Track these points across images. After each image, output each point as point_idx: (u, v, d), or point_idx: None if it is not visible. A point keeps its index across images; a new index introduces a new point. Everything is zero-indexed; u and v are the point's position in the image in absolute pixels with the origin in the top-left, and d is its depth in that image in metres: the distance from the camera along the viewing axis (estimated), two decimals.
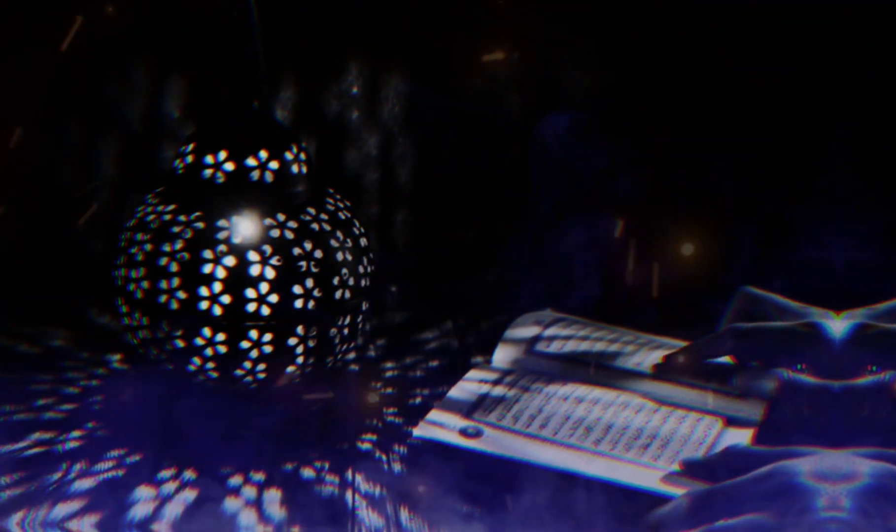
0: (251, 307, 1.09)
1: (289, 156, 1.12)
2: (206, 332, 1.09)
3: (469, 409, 1.11)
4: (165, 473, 1.07)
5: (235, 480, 1.07)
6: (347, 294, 1.12)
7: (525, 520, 1.02)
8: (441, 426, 1.09)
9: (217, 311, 1.09)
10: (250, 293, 1.09)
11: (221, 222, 1.09)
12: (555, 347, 1.20)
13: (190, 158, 1.12)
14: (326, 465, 1.10)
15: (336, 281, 1.11)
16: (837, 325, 1.11)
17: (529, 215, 1.37)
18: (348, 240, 1.13)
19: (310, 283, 1.10)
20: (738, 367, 1.15)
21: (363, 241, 1.14)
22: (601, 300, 1.30)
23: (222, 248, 1.09)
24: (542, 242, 1.35)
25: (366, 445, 1.13)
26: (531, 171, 1.37)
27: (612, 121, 1.36)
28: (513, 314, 1.24)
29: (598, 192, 1.36)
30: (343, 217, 1.14)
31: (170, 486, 1.06)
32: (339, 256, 1.11)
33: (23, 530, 1.01)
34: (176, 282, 1.09)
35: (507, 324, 1.23)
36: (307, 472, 1.09)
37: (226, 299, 1.09)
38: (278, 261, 1.09)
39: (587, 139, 1.36)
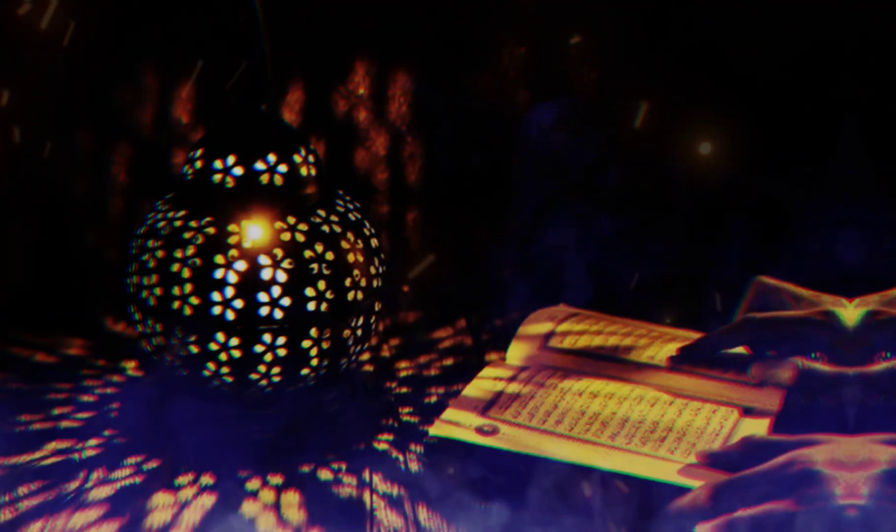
0: (264, 311, 1.09)
1: (297, 158, 1.12)
2: (220, 337, 1.09)
3: (485, 406, 1.11)
4: (183, 479, 1.08)
5: (253, 484, 1.07)
6: (360, 295, 1.12)
7: (542, 515, 1.02)
8: (457, 424, 1.09)
9: (230, 315, 1.09)
10: (262, 297, 1.09)
11: (232, 227, 1.10)
12: (569, 343, 1.20)
13: (199, 164, 1.12)
14: (344, 467, 1.10)
15: (348, 282, 1.11)
16: (850, 312, 1.10)
17: (513, 215, 1.36)
18: (359, 241, 1.13)
19: (322, 285, 1.10)
20: (753, 357, 1.15)
21: (374, 242, 1.14)
22: (595, 300, 1.29)
23: (233, 252, 1.09)
24: (529, 243, 1.35)
25: (382, 446, 1.13)
26: (515, 169, 1.36)
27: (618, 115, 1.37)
28: (526, 311, 1.24)
29: (587, 184, 1.36)
30: (353, 218, 1.14)
31: (187, 492, 1.06)
32: (351, 258, 1.12)
33: None
34: (188, 288, 1.09)
35: (521, 320, 1.23)
36: (325, 474, 1.09)
37: (238, 304, 1.09)
38: (290, 264, 1.09)
39: (575, 126, 1.34)
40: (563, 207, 1.35)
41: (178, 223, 1.11)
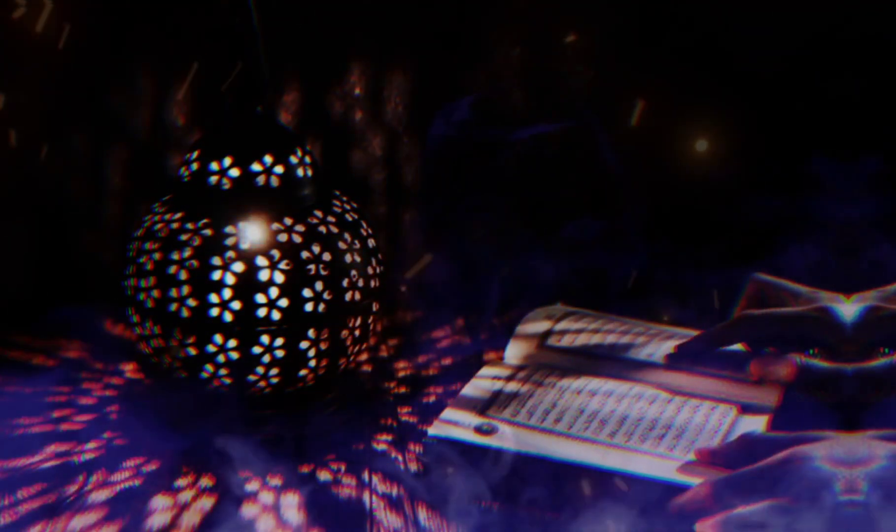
0: (262, 312, 1.09)
1: (294, 159, 1.12)
2: (218, 338, 1.09)
3: (483, 406, 1.11)
4: (182, 481, 1.08)
5: (253, 486, 1.07)
6: (357, 296, 1.12)
7: (542, 515, 1.02)
8: (456, 424, 1.09)
9: (228, 317, 1.09)
10: (260, 298, 1.09)
11: (229, 228, 1.09)
12: (567, 341, 1.20)
13: (195, 166, 1.12)
14: (343, 468, 1.10)
15: (345, 283, 1.11)
16: (848, 308, 1.10)
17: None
18: (356, 241, 1.13)
19: (319, 286, 1.10)
20: (751, 354, 1.15)
21: (371, 242, 1.14)
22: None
23: (231, 254, 1.09)
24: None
25: (381, 446, 1.13)
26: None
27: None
28: (523, 309, 1.24)
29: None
30: (350, 218, 1.14)
31: (187, 494, 1.06)
32: (348, 258, 1.12)
33: None
34: (186, 290, 1.09)
35: (519, 319, 1.23)
36: (324, 475, 1.09)
37: (236, 305, 1.09)
38: (287, 265, 1.09)
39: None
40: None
41: (175, 225, 1.11)
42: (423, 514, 1.04)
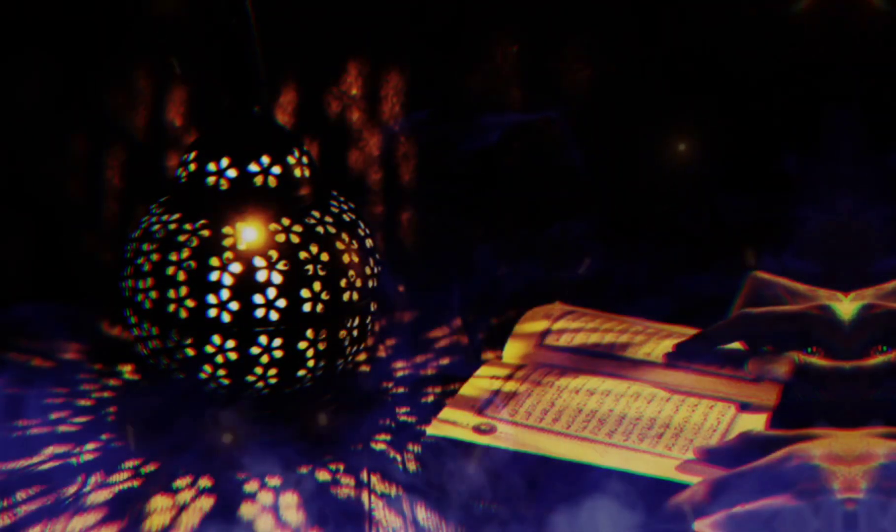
0: (259, 313, 1.09)
1: (291, 160, 1.12)
2: (216, 339, 1.09)
3: (482, 405, 1.11)
4: (181, 482, 1.08)
5: (252, 486, 1.07)
6: (355, 296, 1.12)
7: (540, 514, 1.02)
8: (454, 424, 1.09)
9: (226, 318, 1.09)
10: (258, 299, 1.09)
11: (226, 229, 1.09)
12: (565, 340, 1.20)
13: (193, 166, 1.12)
14: (341, 468, 1.10)
15: (343, 283, 1.11)
16: (846, 306, 1.11)
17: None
18: (354, 241, 1.13)
19: (317, 286, 1.10)
20: (750, 353, 1.15)
21: (369, 243, 1.14)
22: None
23: (228, 254, 1.09)
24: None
25: (380, 446, 1.13)
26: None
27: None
28: (522, 309, 1.25)
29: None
30: (348, 219, 1.14)
31: (186, 495, 1.06)
32: (346, 258, 1.11)
33: None
34: (183, 291, 1.09)
35: (517, 319, 1.23)
36: (323, 475, 1.09)
37: (234, 306, 1.09)
38: (285, 265, 1.09)
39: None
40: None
41: (172, 226, 1.11)
42: (421, 513, 1.04)
